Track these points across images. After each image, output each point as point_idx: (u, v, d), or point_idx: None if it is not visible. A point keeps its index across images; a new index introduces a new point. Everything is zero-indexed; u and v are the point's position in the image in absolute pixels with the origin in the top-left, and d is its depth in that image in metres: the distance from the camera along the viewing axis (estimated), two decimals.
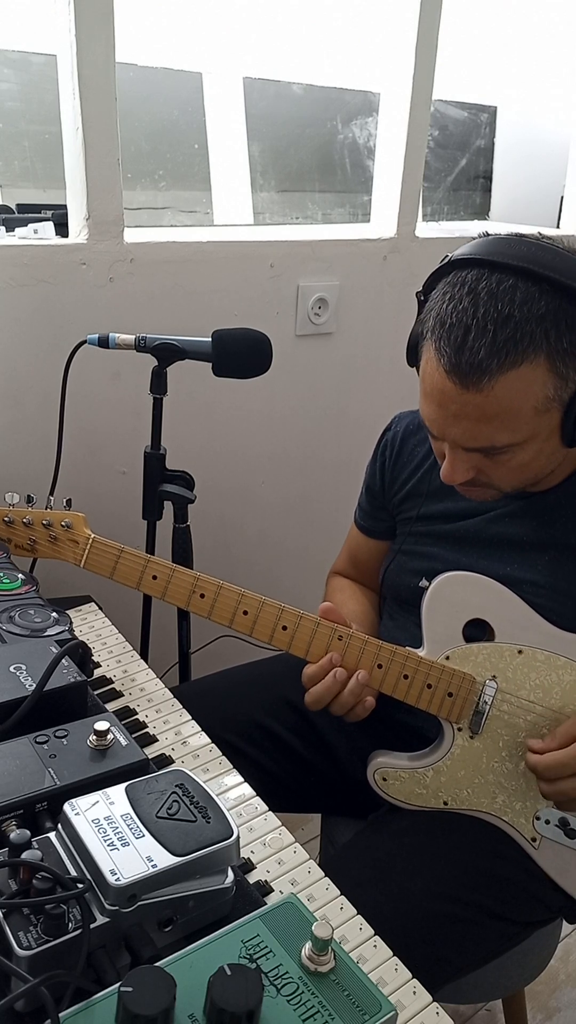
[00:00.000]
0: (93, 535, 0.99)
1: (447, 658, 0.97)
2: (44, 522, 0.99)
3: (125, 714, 0.90)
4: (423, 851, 0.94)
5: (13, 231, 1.40)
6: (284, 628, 0.97)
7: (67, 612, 0.95)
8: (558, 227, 2.24)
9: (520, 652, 0.97)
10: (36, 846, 0.58)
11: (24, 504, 1.01)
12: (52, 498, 1.04)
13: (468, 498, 1.02)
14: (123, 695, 0.94)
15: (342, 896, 0.71)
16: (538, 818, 0.96)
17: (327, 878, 0.72)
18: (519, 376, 0.81)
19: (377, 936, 0.68)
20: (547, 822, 0.96)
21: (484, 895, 0.92)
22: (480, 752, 0.97)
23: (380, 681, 0.97)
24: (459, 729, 0.97)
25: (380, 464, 1.17)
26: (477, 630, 0.99)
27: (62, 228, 1.41)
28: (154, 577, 0.97)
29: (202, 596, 0.97)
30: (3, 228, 1.42)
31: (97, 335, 1.17)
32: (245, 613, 0.97)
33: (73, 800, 0.62)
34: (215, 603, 0.97)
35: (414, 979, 0.64)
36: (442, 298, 0.85)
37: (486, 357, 0.81)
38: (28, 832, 0.58)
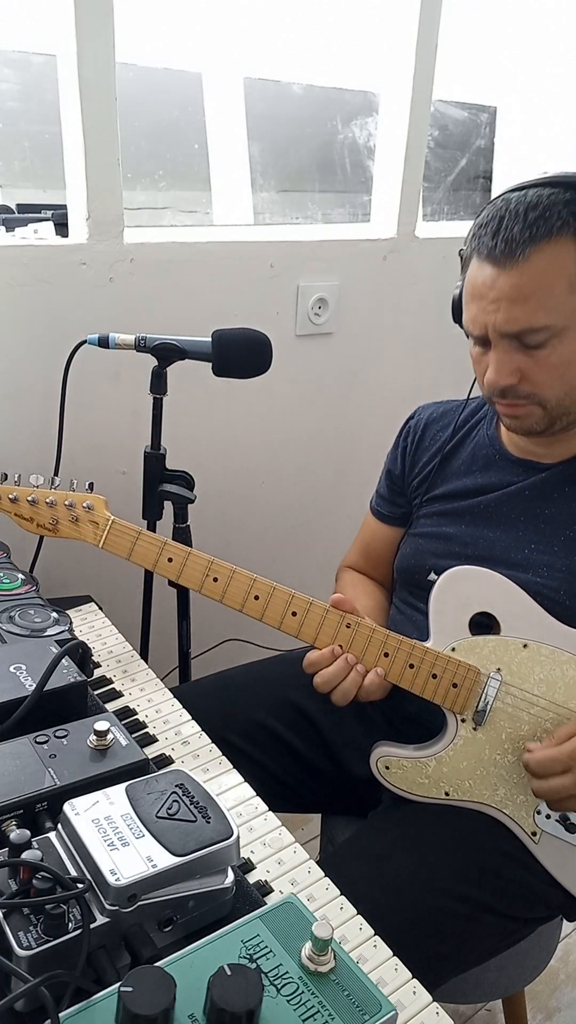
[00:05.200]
0: (113, 517, 1.01)
1: (453, 649, 0.98)
2: (67, 503, 1.01)
3: (125, 714, 0.90)
4: (422, 847, 0.94)
5: (13, 231, 1.40)
6: (294, 614, 0.98)
7: (67, 612, 0.96)
8: None
9: (525, 646, 0.97)
10: (36, 846, 0.58)
11: (47, 486, 1.03)
12: (56, 479, 1.06)
13: (488, 476, 1.07)
14: (123, 695, 0.94)
15: (342, 896, 0.71)
16: (539, 812, 0.96)
17: (327, 878, 0.72)
18: (551, 249, 0.88)
19: (377, 936, 0.68)
20: (547, 816, 0.96)
21: (483, 891, 0.92)
22: (483, 744, 0.97)
23: (386, 670, 0.98)
24: (463, 720, 0.98)
25: (402, 449, 1.21)
26: (483, 624, 0.99)
27: (62, 228, 1.41)
28: (170, 559, 0.99)
29: (215, 580, 0.98)
30: (3, 228, 1.42)
31: (97, 335, 1.17)
32: (256, 598, 0.98)
33: (73, 800, 0.62)
34: (228, 587, 0.98)
35: (414, 979, 0.64)
36: (479, 218, 0.94)
37: (519, 233, 0.89)
38: (28, 832, 0.58)
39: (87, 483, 1.04)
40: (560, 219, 0.88)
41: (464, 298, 0.97)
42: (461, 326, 1.00)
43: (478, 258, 0.93)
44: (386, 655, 0.98)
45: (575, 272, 0.89)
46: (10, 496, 1.00)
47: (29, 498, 1.00)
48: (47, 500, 1.01)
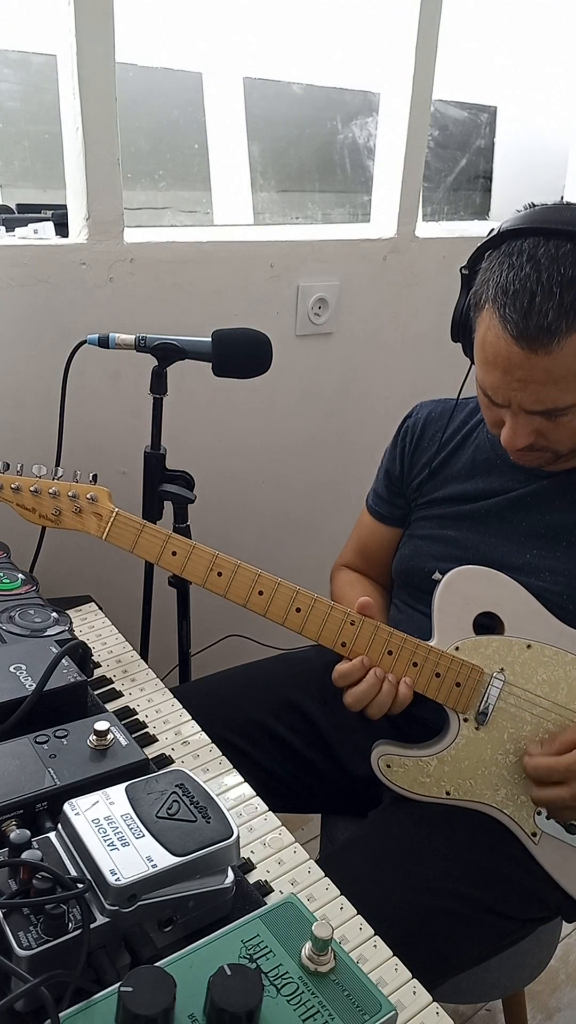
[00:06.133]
0: (117, 509, 1.00)
1: (456, 649, 0.99)
2: (70, 494, 1.00)
3: (125, 714, 0.90)
4: (421, 847, 0.94)
5: (13, 231, 1.40)
6: (298, 610, 0.98)
7: (67, 612, 0.96)
8: None
9: (529, 647, 0.98)
10: (36, 846, 0.58)
11: (50, 477, 1.02)
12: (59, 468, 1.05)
13: (489, 481, 1.06)
14: (123, 695, 0.94)
15: (342, 896, 0.71)
16: (539, 813, 0.96)
17: (327, 878, 0.72)
18: None
19: (377, 936, 0.68)
20: (548, 817, 0.96)
21: (482, 891, 0.92)
22: (485, 743, 0.97)
23: (390, 668, 0.98)
24: (465, 720, 0.98)
25: (400, 449, 1.19)
26: (487, 624, 1.00)
27: (62, 228, 1.41)
28: (174, 553, 0.98)
29: (219, 574, 0.98)
30: (3, 228, 1.42)
31: (97, 335, 1.17)
32: (260, 593, 0.98)
33: (73, 800, 0.62)
34: (232, 582, 0.98)
35: (414, 979, 0.64)
36: (500, 267, 0.88)
37: (555, 319, 0.83)
38: (28, 832, 0.58)
39: (90, 475, 1.03)
40: None
41: (479, 355, 0.93)
42: (462, 347, 1.00)
43: (502, 326, 0.87)
44: (390, 653, 0.98)
45: None
46: (12, 486, 0.99)
47: (32, 488, 1.00)
48: (50, 490, 1.00)
